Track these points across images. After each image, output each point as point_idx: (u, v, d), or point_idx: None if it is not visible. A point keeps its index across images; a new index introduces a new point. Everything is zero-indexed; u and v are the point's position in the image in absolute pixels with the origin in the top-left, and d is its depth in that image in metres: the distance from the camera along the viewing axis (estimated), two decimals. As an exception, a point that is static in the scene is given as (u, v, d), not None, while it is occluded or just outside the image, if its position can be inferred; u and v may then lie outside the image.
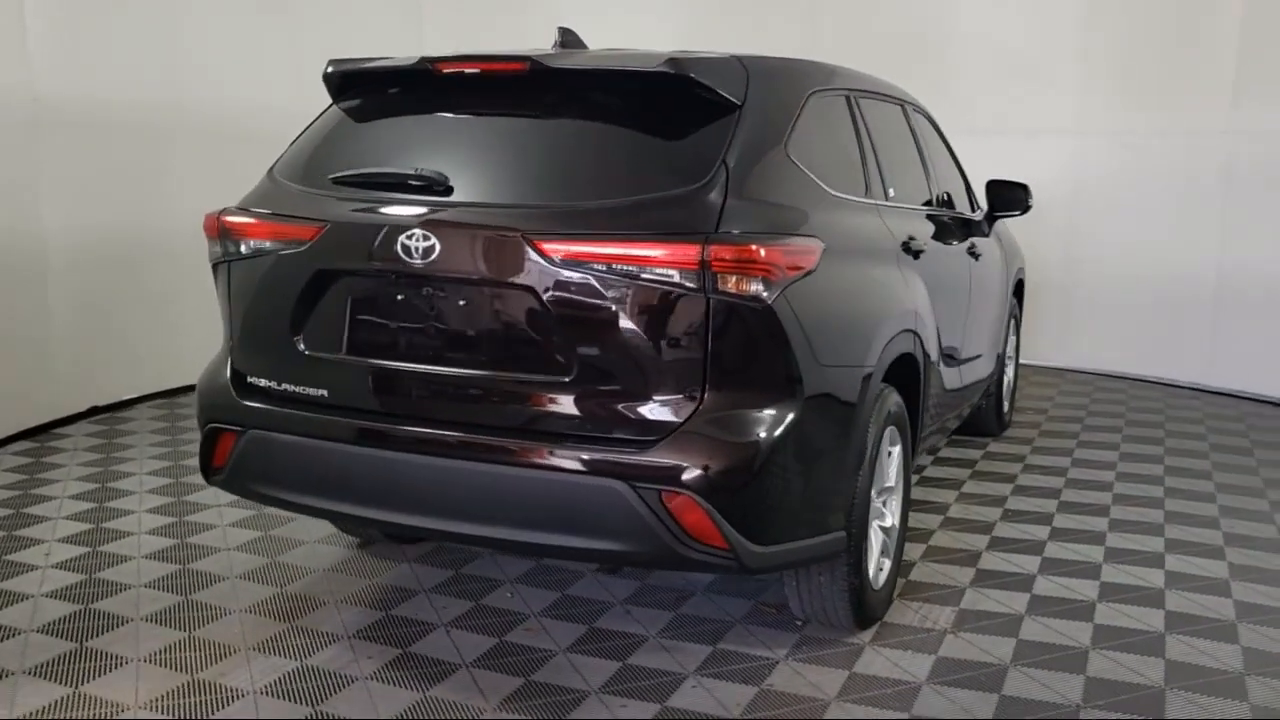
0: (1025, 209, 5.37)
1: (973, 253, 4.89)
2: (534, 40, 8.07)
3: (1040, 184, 7.55)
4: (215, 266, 3.37)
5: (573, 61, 3.06)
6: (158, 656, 3.36)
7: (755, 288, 2.73)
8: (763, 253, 2.73)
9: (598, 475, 2.80)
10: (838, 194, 3.40)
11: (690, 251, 2.71)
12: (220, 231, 3.27)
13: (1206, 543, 4.47)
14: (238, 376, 3.30)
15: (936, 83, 7.53)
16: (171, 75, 6.81)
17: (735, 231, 2.77)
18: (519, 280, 2.85)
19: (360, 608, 3.73)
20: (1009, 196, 5.33)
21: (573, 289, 2.80)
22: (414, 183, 3.03)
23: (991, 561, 4.23)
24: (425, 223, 2.90)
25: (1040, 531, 4.60)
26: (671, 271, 2.73)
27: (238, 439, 3.24)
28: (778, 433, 2.82)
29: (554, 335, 2.85)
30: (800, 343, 2.87)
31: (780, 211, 2.99)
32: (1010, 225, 5.96)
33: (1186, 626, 3.64)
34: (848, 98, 3.79)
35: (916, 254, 3.89)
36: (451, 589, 3.90)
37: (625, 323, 2.80)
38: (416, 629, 3.57)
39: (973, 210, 5.30)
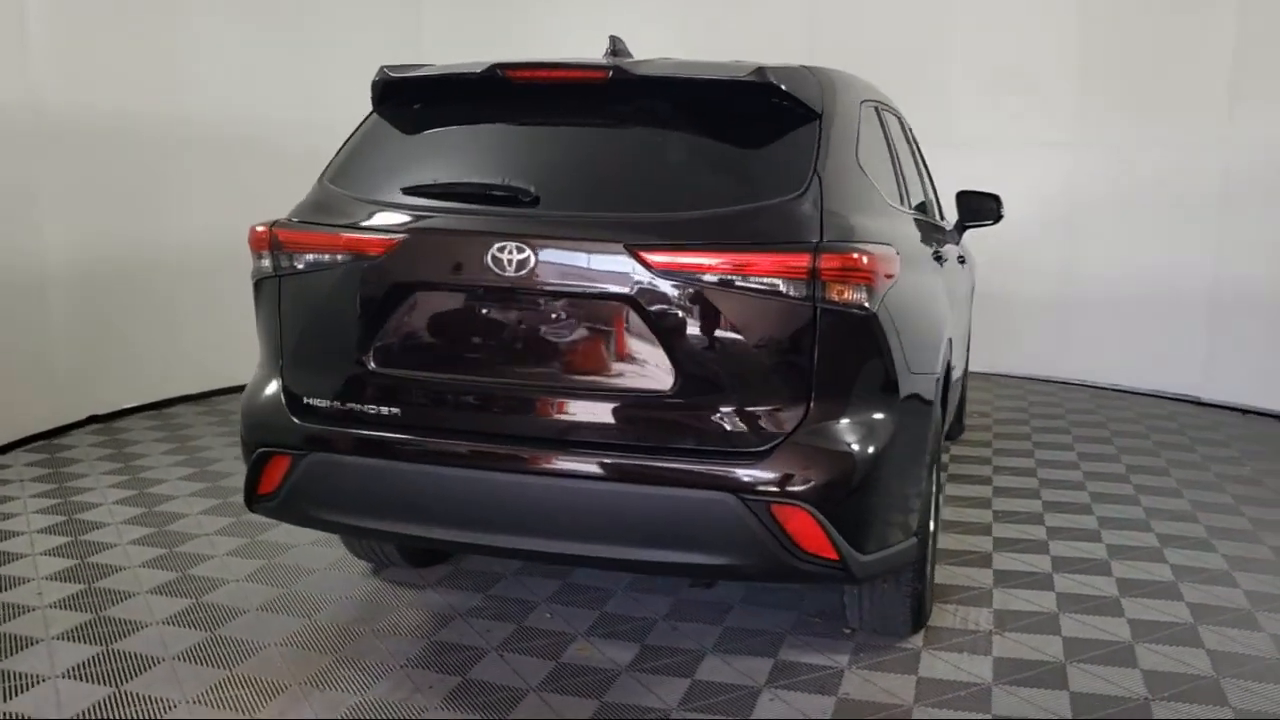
0: (997, 219, 5.52)
1: (961, 260, 5.02)
2: (538, 49, 8.02)
3: (1036, 196, 7.77)
4: (261, 282, 3.19)
5: (655, 70, 3.01)
6: (206, 697, 3.16)
7: (859, 296, 2.74)
8: (865, 260, 2.74)
9: (706, 488, 2.75)
10: (890, 203, 3.45)
11: (800, 261, 2.70)
12: (273, 244, 3.10)
13: (1192, 535, 4.68)
14: (292, 397, 3.13)
15: (931, 95, 7.62)
16: (171, 87, 6.89)
17: (838, 240, 2.77)
18: (620, 291, 2.79)
19: (401, 636, 3.58)
20: (980, 206, 5.47)
21: (676, 300, 2.76)
22: (497, 193, 2.93)
23: (1004, 562, 4.34)
24: (519, 234, 2.81)
25: (1037, 530, 4.73)
26: (779, 281, 2.72)
27: (294, 463, 3.07)
28: (882, 440, 2.83)
29: (655, 347, 2.80)
30: (896, 349, 2.89)
31: (862, 220, 3.01)
32: (983, 236, 6.10)
33: (1212, 617, 3.80)
34: (876, 107, 3.85)
35: (941, 262, 3.98)
36: (488, 612, 3.79)
37: (730, 333, 2.77)
38: (468, 655, 3.46)
39: (941, 218, 5.45)
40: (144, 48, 6.70)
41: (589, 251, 2.81)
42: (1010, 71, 7.93)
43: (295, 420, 3.09)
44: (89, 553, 4.31)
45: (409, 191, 3.03)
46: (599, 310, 2.85)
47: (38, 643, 3.50)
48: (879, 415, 2.85)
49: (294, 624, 3.66)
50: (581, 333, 2.87)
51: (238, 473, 5.27)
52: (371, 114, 3.39)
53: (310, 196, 3.22)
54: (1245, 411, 7.14)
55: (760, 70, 2.94)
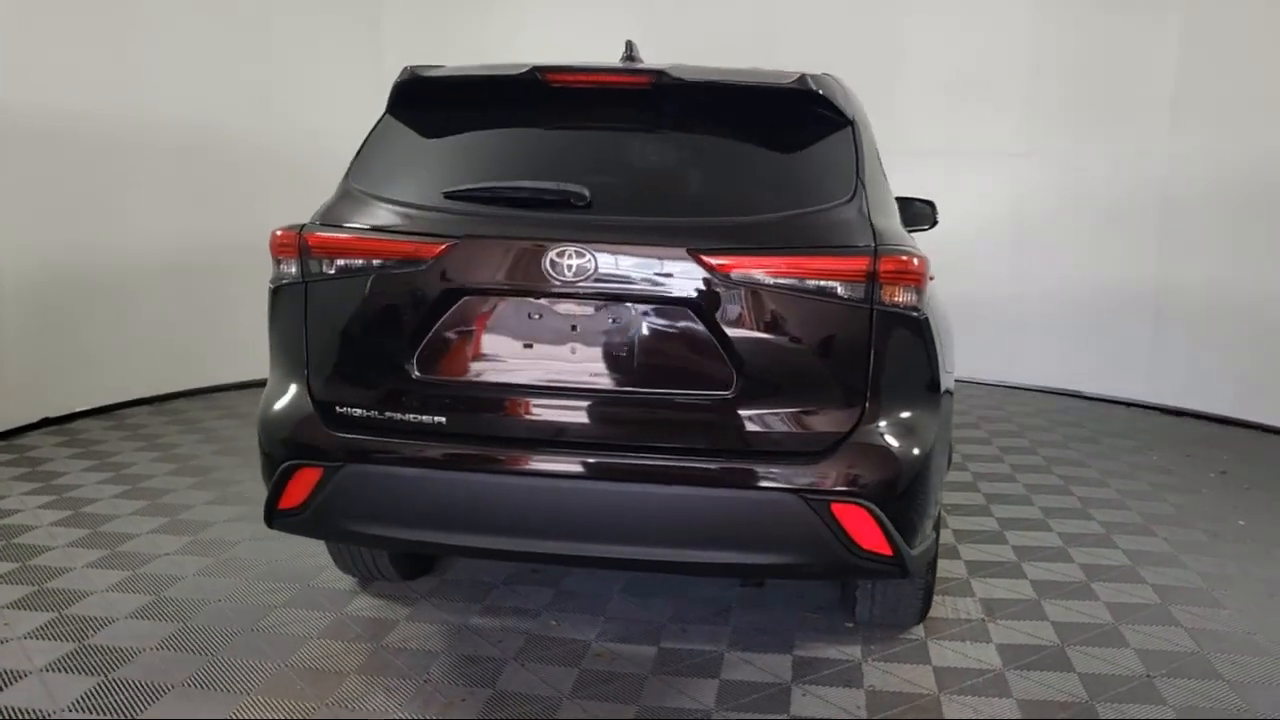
0: (932, 224, 5.74)
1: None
2: (498, 55, 7.88)
3: (986, 203, 8.04)
4: (283, 289, 3.06)
5: (697, 75, 3.03)
6: (234, 724, 3.01)
7: (912, 298, 2.83)
8: (916, 263, 2.83)
9: (767, 489, 2.79)
10: (894, 207, 3.57)
11: (860, 264, 2.77)
12: (302, 250, 2.98)
13: (1131, 522, 4.98)
14: (323, 407, 3.02)
15: (885, 103, 7.78)
16: (126, 88, 6.82)
17: (889, 245, 2.86)
18: (681, 295, 2.80)
19: (414, 651, 3.49)
20: (917, 212, 5.66)
21: (737, 303, 2.79)
22: (549, 197, 2.90)
23: (971, 553, 4.53)
24: (579, 239, 2.79)
25: (988, 523, 4.95)
26: (839, 284, 2.78)
27: (327, 475, 2.96)
28: (930, 439, 2.93)
29: (715, 350, 2.82)
30: (938, 350, 2.99)
31: (894, 225, 3.11)
32: (933, 243, 6.26)
33: (1181, 599, 4.06)
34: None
35: None
36: (493, 622, 3.73)
37: (790, 336, 2.82)
38: (489, 666, 3.39)
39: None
40: (98, 47, 6.63)
41: (651, 256, 2.80)
42: (962, 81, 8.14)
43: (328, 431, 2.98)
44: (46, 577, 4.04)
45: (453, 195, 2.95)
46: (659, 314, 2.85)
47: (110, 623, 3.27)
48: (926, 414, 2.95)
49: (297, 643, 3.51)
50: (641, 337, 2.86)
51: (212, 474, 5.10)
52: (386, 115, 3.29)
53: (336, 199, 3.10)
54: (1194, 415, 7.44)
55: (803, 78, 3.00)
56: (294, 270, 3.02)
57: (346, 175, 3.16)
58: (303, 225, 3.03)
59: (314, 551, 4.27)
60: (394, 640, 3.56)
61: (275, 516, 3.09)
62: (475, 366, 2.94)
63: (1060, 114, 7.92)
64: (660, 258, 2.80)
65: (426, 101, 3.23)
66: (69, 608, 3.75)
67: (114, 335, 6.91)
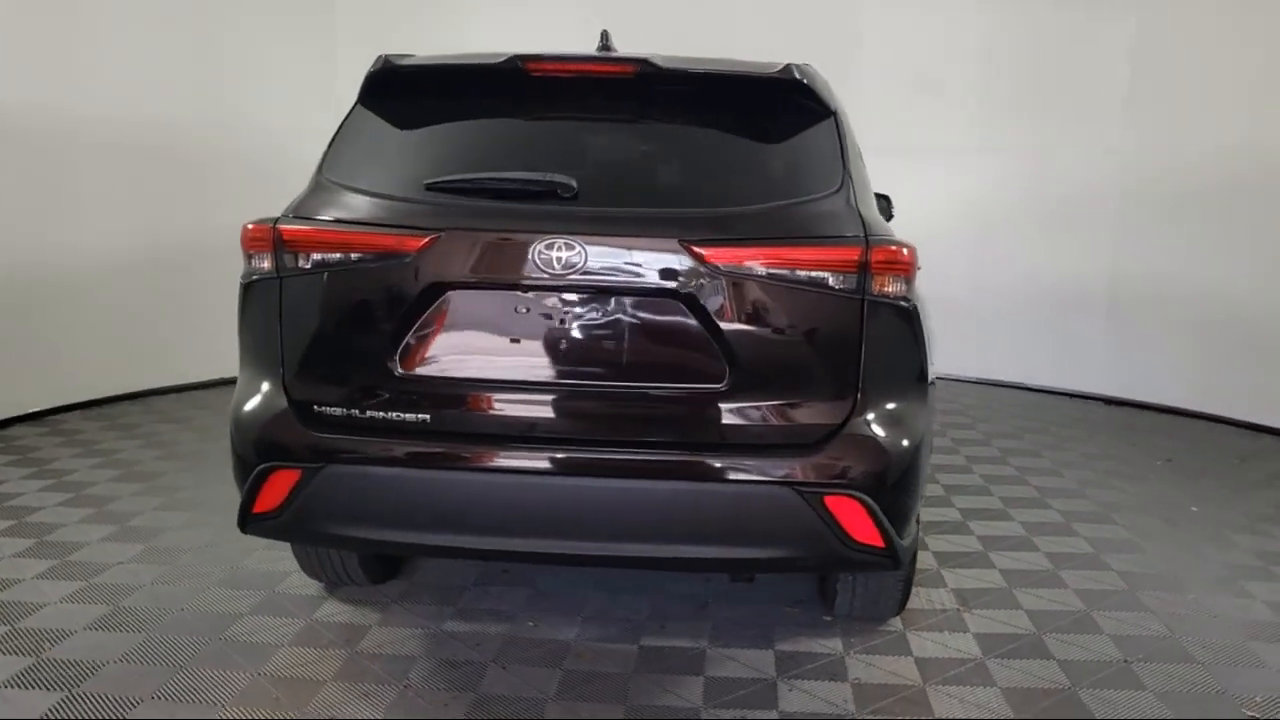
0: (888, 218, 5.78)
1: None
2: (462, 49, 7.67)
3: (942, 199, 8.09)
4: (255, 285, 2.95)
5: (681, 65, 2.98)
6: (209, 736, 2.90)
7: (901, 288, 2.82)
8: (905, 253, 2.82)
9: (761, 483, 2.76)
10: (873, 199, 3.56)
11: (852, 254, 2.75)
12: (275, 244, 2.87)
13: (1089, 511, 5.06)
14: (300, 406, 2.91)
15: (842, 97, 7.84)
16: (68, 83, 6.64)
17: (880, 235, 2.84)
18: (672, 287, 2.76)
19: (390, 657, 3.39)
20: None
21: (730, 295, 2.75)
22: (534, 189, 2.83)
23: (938, 544, 4.56)
24: (568, 230, 2.73)
25: (951, 514, 5.00)
26: (829, 275, 2.76)
27: (305, 477, 2.86)
28: (920, 429, 2.92)
29: (707, 343, 2.78)
30: (925, 340, 2.98)
31: (878, 215, 3.10)
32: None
33: (1150, 585, 4.13)
34: None
35: None
36: (469, 625, 3.65)
37: (782, 327, 2.79)
38: (469, 670, 3.32)
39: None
40: (40, 42, 6.48)
41: (642, 248, 2.75)
42: (918, 78, 8.20)
43: (306, 431, 2.88)
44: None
45: (435, 187, 2.87)
46: (650, 307, 2.80)
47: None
48: (915, 404, 2.94)
49: (268, 651, 3.40)
50: (631, 330, 2.81)
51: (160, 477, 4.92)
52: (357, 105, 3.19)
53: (310, 192, 3.00)
54: (1144, 407, 7.59)
55: (788, 68, 2.98)
56: (267, 265, 2.91)
57: (320, 168, 3.06)
58: (276, 218, 2.92)
59: (276, 556, 4.15)
60: (368, 646, 3.46)
61: (250, 521, 2.98)
62: (460, 362, 2.86)
63: (1016, 110, 8.03)
64: (651, 249, 2.75)
65: (401, 91, 3.14)
66: (22, 620, 3.58)
67: (54, 338, 6.72)
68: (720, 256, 2.73)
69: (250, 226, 2.93)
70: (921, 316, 2.96)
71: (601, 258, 2.74)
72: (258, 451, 2.92)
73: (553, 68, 2.99)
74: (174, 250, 7.41)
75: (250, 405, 2.97)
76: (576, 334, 2.81)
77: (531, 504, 2.81)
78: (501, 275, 2.78)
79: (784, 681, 3.29)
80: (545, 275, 2.74)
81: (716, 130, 3.05)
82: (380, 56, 3.09)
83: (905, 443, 2.85)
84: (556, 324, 2.81)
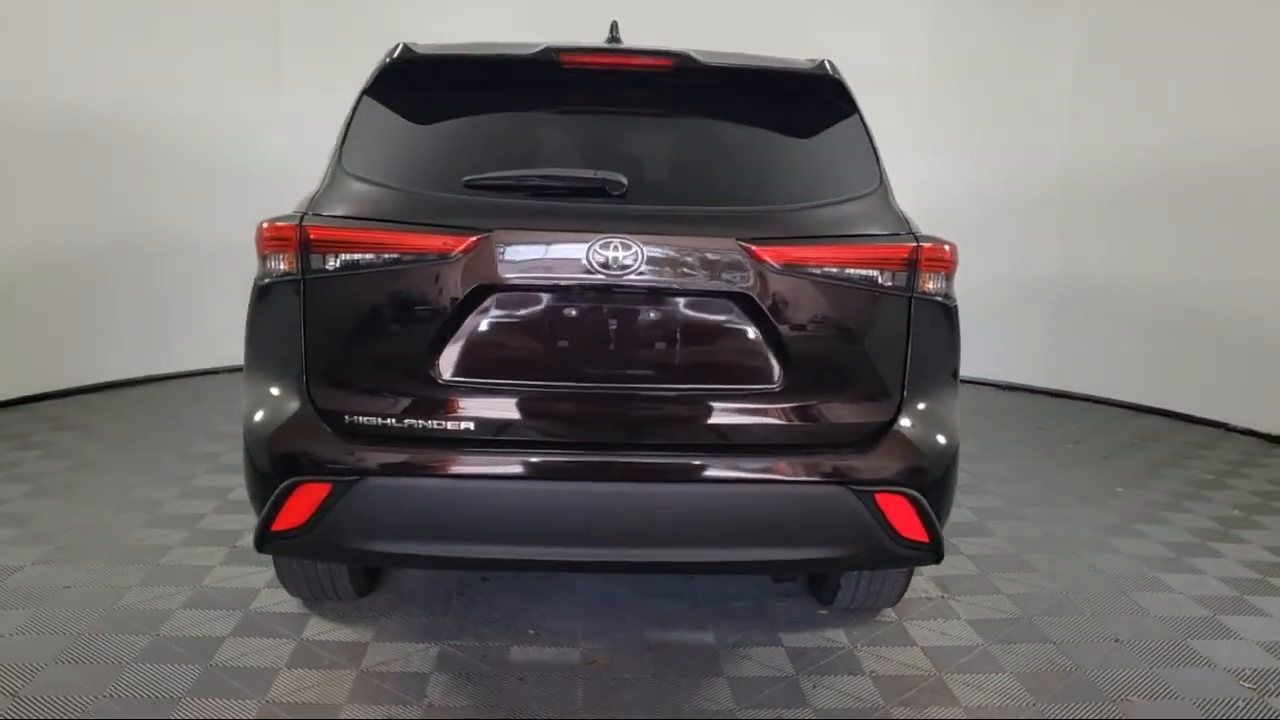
0: None
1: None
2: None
3: (897, 196, 8.17)
4: (273, 286, 2.75)
5: (717, 60, 2.93)
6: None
7: (943, 285, 2.86)
8: (948, 250, 2.86)
9: (817, 483, 2.75)
10: None
11: (902, 252, 2.77)
12: (301, 244, 2.68)
13: (1031, 495, 5.27)
14: (330, 417, 2.74)
15: None
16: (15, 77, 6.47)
17: (924, 233, 2.87)
18: (726, 287, 2.71)
19: (400, 673, 3.24)
20: None
21: (782, 294, 2.73)
22: (581, 186, 2.73)
23: (900, 533, 4.65)
24: (623, 230, 2.65)
25: (901, 502, 5.11)
26: (884, 273, 2.77)
27: (337, 491, 2.69)
28: (957, 425, 2.96)
29: (760, 343, 2.75)
30: (959, 337, 3.02)
31: (908, 213, 3.12)
32: None
33: (1122, 570, 4.32)
34: None
35: None
36: (468, 636, 3.51)
37: (835, 326, 2.78)
38: (486, 683, 3.20)
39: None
40: None
41: (698, 247, 2.69)
42: (872, 74, 8.27)
43: (338, 442, 2.71)
44: None
45: (474, 184, 2.74)
46: (704, 307, 2.74)
47: None
48: (951, 400, 2.98)
49: (268, 676, 3.18)
50: (684, 331, 2.75)
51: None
52: (366, 95, 3.01)
53: (331, 187, 2.81)
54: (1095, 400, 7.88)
55: (822, 64, 2.97)
56: (288, 266, 2.71)
57: (338, 160, 2.87)
58: (301, 216, 2.73)
59: (235, 574, 3.92)
60: (373, 664, 3.30)
61: (268, 539, 2.78)
62: (505, 367, 2.74)
63: (963, 109, 8.18)
64: (707, 248, 2.70)
65: (421, 81, 2.98)
66: (-22, 657, 3.26)
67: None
68: (777, 255, 2.70)
69: (269, 225, 2.74)
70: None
71: (657, 257, 2.67)
72: (282, 465, 2.73)
73: (587, 60, 2.89)
74: (104, 246, 7.06)
75: (271, 416, 2.77)
76: (628, 336, 2.74)
77: (587, 513, 2.72)
78: (552, 276, 2.68)
79: (805, 678, 3.30)
80: (599, 276, 2.66)
81: (754, 126, 3.01)
82: (400, 45, 2.93)
83: (949, 439, 2.89)
84: (608, 326, 2.73)
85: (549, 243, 2.66)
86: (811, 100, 3.05)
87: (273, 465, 2.74)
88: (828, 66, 2.98)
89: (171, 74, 7.52)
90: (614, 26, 3.37)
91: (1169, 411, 7.38)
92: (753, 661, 3.41)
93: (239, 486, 5.04)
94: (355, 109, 3.00)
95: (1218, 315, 7.01)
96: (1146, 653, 3.52)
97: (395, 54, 2.92)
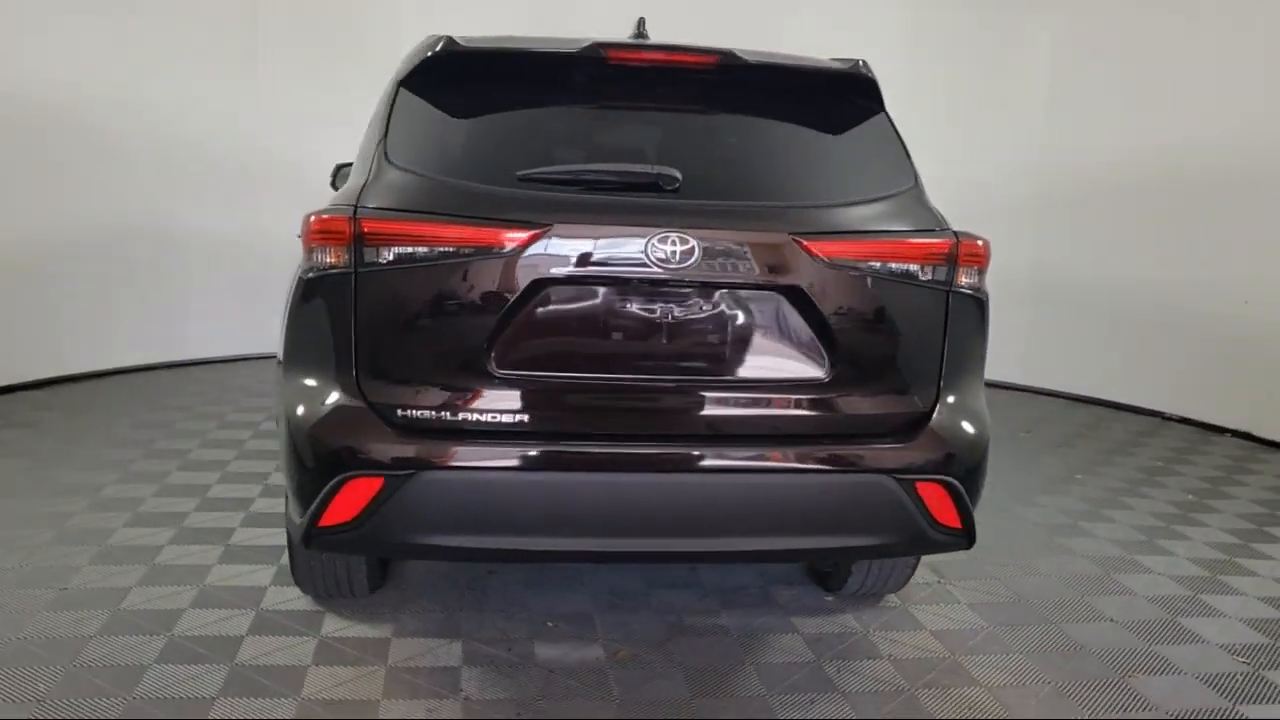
0: None
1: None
2: (377, 33, 8.12)
3: None
4: (324, 280, 2.71)
5: (759, 58, 2.97)
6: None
7: (977, 279, 2.96)
8: (982, 245, 2.96)
9: (865, 472, 2.82)
10: None
11: (943, 247, 2.86)
12: (355, 237, 2.66)
13: (996, 483, 5.44)
14: (383, 410, 2.71)
15: None
16: None
17: (960, 229, 2.96)
18: (779, 281, 2.76)
19: (430, 668, 3.22)
20: None
21: (834, 288, 2.79)
22: (636, 180, 2.76)
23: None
24: (682, 224, 2.68)
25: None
26: (920, 267, 2.86)
27: (390, 485, 2.67)
28: (988, 413, 3.07)
29: (809, 336, 2.81)
30: (989, 329, 3.11)
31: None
32: None
33: (1100, 552, 4.50)
34: None
35: None
36: (488, 629, 3.51)
37: (879, 319, 2.86)
38: (521, 677, 3.20)
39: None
40: None
41: (753, 242, 2.74)
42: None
43: (391, 436, 2.69)
44: None
45: (529, 179, 2.74)
46: (755, 301, 2.79)
47: None
48: (980, 390, 3.08)
49: (297, 675, 3.13)
50: (736, 325, 2.80)
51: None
52: (403, 87, 2.98)
53: (381, 180, 2.78)
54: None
55: (858, 63, 3.04)
56: (340, 260, 2.68)
57: (383, 152, 2.84)
58: (354, 208, 2.69)
59: (237, 573, 3.85)
60: (400, 659, 3.27)
61: (315, 535, 2.75)
62: (562, 360, 2.75)
63: (937, 108, 8.22)
64: (762, 243, 2.75)
65: (464, 75, 2.96)
66: (-12, 662, 3.15)
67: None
68: (827, 250, 2.77)
69: (320, 218, 2.70)
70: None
71: (713, 251, 2.71)
72: (332, 460, 2.69)
73: (632, 56, 2.91)
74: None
75: (319, 410, 2.73)
76: (683, 329, 2.77)
77: (642, 504, 2.75)
78: (610, 270, 2.70)
79: (828, 663, 3.38)
80: (656, 270, 2.69)
81: (795, 124, 3.07)
82: (442, 37, 2.90)
83: (982, 428, 2.99)
84: (661, 319, 2.76)
85: (608, 237, 2.68)
86: (848, 98, 3.11)
87: (321, 460, 2.71)
88: (863, 66, 3.05)
89: (139, 59, 7.37)
90: (640, 23, 3.39)
91: (1106, 401, 7.70)
92: (773, 648, 3.48)
93: (216, 483, 4.95)
94: (393, 100, 2.98)
95: (1169, 312, 7.28)
96: (1141, 631, 3.69)
97: (439, 47, 2.89)
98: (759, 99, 3.06)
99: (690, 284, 2.73)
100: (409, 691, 3.08)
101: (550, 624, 3.59)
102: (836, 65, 3.05)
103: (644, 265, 2.68)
